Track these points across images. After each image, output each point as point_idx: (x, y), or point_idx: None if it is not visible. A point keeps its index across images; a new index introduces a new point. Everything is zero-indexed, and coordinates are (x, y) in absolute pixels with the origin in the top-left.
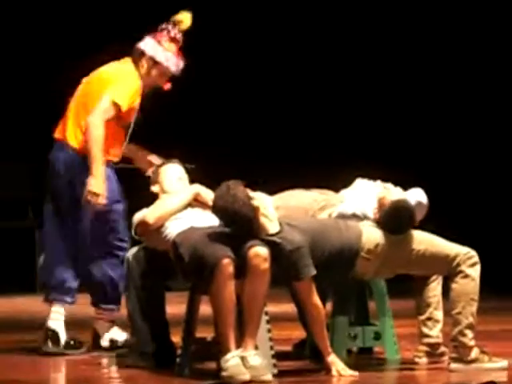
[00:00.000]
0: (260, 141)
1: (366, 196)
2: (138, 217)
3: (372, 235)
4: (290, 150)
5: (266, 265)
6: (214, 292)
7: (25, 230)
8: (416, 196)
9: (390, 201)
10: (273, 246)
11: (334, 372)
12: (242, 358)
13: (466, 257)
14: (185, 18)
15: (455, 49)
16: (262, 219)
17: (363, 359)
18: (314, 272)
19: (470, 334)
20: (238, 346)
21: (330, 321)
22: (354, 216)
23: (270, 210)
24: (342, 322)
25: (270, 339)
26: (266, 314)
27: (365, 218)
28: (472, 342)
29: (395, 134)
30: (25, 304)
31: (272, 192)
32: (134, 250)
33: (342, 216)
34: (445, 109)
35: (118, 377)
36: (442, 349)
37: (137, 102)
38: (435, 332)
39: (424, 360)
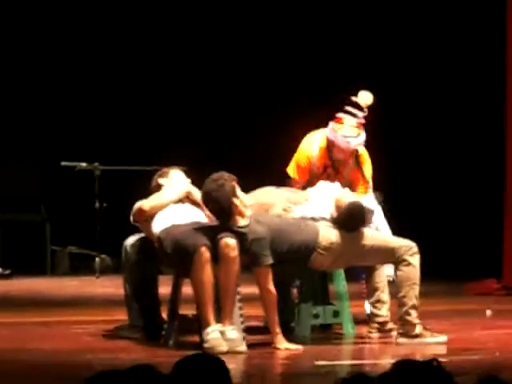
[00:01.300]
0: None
1: (325, 198)
2: (136, 205)
3: (327, 234)
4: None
5: (234, 253)
6: (194, 275)
7: (38, 223)
8: (366, 202)
9: (347, 203)
10: (240, 235)
11: (281, 347)
12: (222, 333)
13: (408, 248)
14: (361, 98)
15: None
16: (237, 216)
17: (325, 334)
18: (270, 261)
19: (414, 313)
20: (217, 322)
21: (297, 303)
22: (312, 218)
23: (247, 210)
24: (307, 304)
25: (241, 316)
26: (239, 293)
27: (321, 219)
28: (416, 320)
29: None
30: (37, 284)
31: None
32: (131, 239)
33: (302, 218)
34: (395, 112)
35: (113, 347)
36: (390, 325)
37: (304, 164)
38: (384, 312)
39: (375, 335)
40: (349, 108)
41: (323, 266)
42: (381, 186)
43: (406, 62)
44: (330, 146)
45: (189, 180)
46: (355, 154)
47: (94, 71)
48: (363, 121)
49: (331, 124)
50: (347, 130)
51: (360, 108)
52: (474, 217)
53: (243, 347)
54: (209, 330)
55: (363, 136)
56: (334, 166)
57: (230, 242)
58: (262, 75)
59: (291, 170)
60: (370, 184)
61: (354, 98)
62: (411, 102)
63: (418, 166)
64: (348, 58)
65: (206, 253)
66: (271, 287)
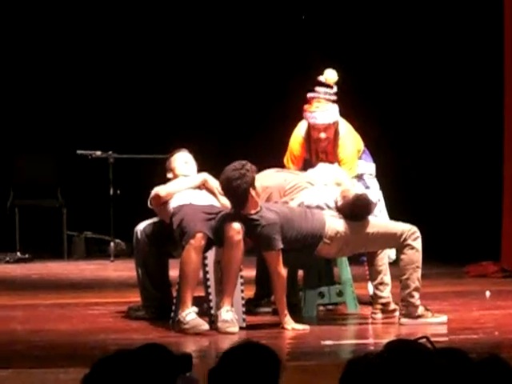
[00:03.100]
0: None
1: (329, 183)
2: (154, 191)
3: (333, 224)
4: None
5: (239, 236)
6: (184, 256)
7: (55, 208)
8: (371, 194)
9: (354, 194)
10: (252, 221)
11: (288, 328)
12: (217, 315)
13: (411, 232)
14: (327, 76)
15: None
16: (250, 205)
17: (330, 315)
18: (281, 245)
19: (416, 295)
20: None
21: (303, 285)
22: (318, 207)
23: (259, 200)
24: (312, 285)
25: (243, 298)
26: (241, 277)
27: (327, 207)
28: (418, 302)
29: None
30: (55, 268)
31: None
32: (142, 225)
33: (308, 206)
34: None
35: (126, 328)
36: (393, 306)
37: (297, 151)
38: (386, 293)
39: (379, 316)
40: (317, 87)
41: (329, 255)
42: (382, 170)
43: (411, 50)
44: (308, 127)
45: (188, 160)
46: (337, 133)
47: (109, 63)
48: (333, 97)
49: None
50: (314, 107)
51: (327, 86)
52: (473, 201)
53: (234, 328)
54: (186, 311)
55: (333, 111)
56: (321, 148)
57: (235, 226)
58: (277, 62)
59: (286, 159)
60: (354, 164)
61: (320, 78)
62: (413, 85)
63: (418, 150)
64: (342, 53)
65: (201, 240)
66: (281, 270)
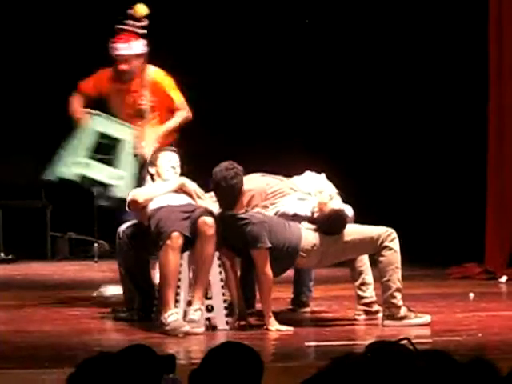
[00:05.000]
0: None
1: (312, 192)
2: (131, 194)
3: (309, 237)
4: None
5: (211, 231)
6: (162, 258)
7: (38, 209)
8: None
9: (330, 208)
10: (241, 220)
11: (272, 329)
12: (185, 313)
13: (387, 234)
14: (136, 10)
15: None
16: (239, 206)
17: (312, 317)
18: (269, 244)
19: (398, 295)
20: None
21: None
22: (295, 216)
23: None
24: None
25: (225, 301)
26: (222, 280)
27: (305, 217)
28: (400, 303)
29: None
30: (38, 269)
31: None
32: (125, 225)
33: (284, 215)
34: (368, 103)
35: (110, 329)
36: (377, 307)
37: (103, 84)
38: (369, 293)
39: (362, 317)
40: (125, 21)
41: (309, 266)
42: (363, 172)
43: (396, 52)
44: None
45: (174, 163)
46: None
47: (92, 64)
48: (140, 30)
49: None
50: (117, 39)
51: (136, 19)
52: (457, 202)
53: (200, 329)
54: (168, 313)
55: (136, 44)
56: (125, 82)
57: (208, 220)
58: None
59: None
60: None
61: (129, 11)
62: (394, 87)
63: (401, 151)
64: (332, 54)
65: (177, 239)
66: (268, 270)
